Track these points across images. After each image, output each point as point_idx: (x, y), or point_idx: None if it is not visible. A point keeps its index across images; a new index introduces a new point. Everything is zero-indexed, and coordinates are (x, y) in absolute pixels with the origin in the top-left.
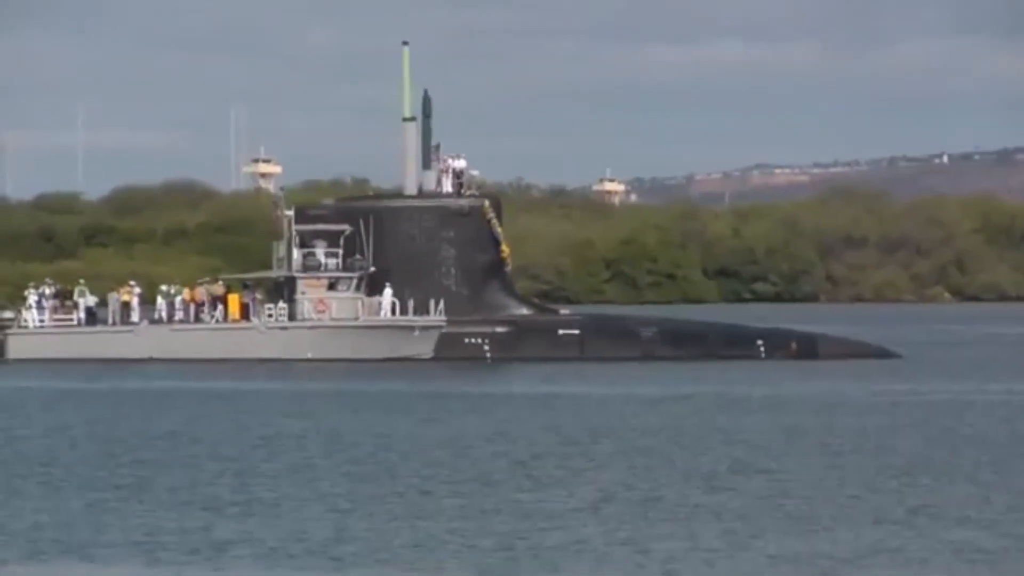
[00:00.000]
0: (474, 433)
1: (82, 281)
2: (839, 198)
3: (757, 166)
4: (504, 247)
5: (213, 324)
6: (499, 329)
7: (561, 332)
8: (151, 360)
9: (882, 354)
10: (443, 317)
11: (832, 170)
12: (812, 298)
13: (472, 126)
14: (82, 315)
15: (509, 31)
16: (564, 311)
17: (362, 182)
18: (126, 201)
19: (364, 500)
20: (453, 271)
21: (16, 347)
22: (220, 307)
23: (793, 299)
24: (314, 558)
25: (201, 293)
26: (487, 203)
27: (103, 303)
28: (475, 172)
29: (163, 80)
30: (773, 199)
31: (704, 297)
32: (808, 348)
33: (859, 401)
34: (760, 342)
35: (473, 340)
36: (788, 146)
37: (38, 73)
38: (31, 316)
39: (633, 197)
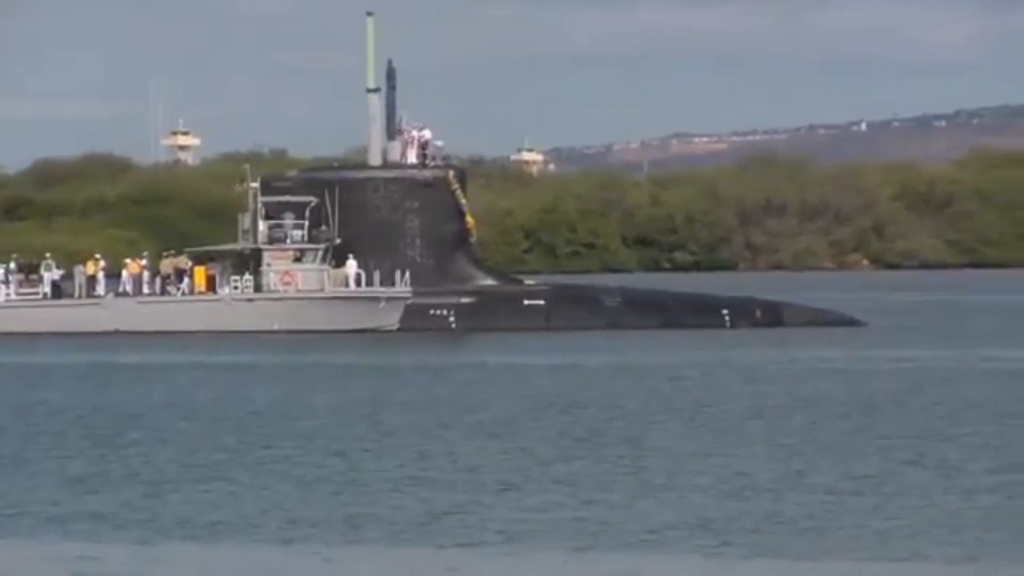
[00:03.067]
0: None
1: (48, 255)
2: (758, 166)
3: (676, 135)
4: (469, 218)
5: (179, 297)
6: (464, 300)
7: (526, 302)
8: (117, 333)
9: (848, 322)
10: (409, 288)
11: (751, 138)
12: (731, 267)
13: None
14: (47, 289)
15: None
16: (529, 281)
17: (280, 153)
18: (46, 174)
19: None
20: (418, 242)
21: None
22: (186, 280)
23: (712, 267)
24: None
25: (166, 265)
26: (452, 174)
27: (68, 276)
28: (439, 143)
29: (82, 48)
30: (692, 167)
31: (623, 266)
32: (773, 316)
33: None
34: (725, 311)
35: (438, 311)
36: (707, 114)
37: None
38: None
39: (552, 167)
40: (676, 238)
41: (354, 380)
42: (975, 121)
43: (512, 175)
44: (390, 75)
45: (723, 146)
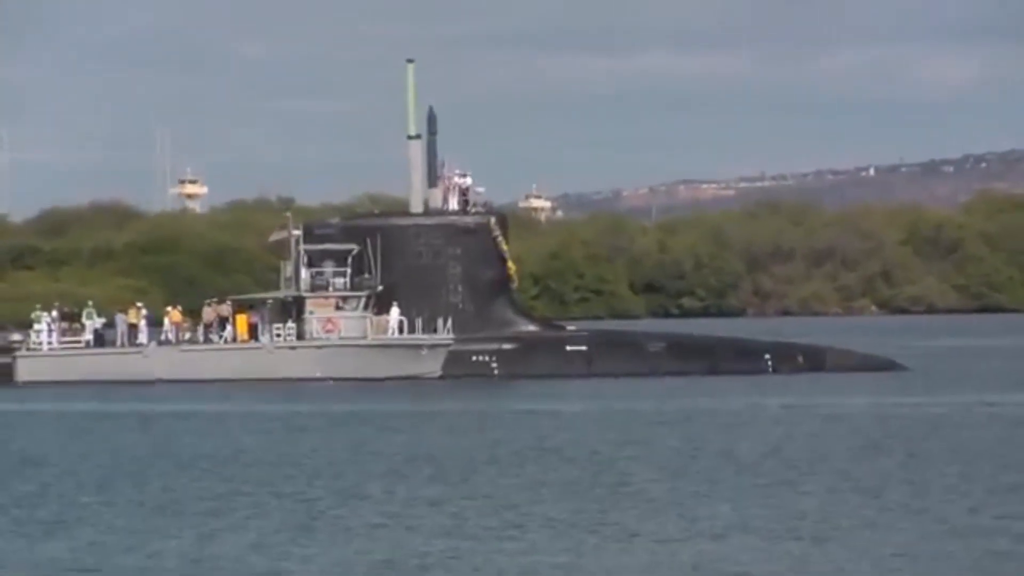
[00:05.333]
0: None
1: (90, 303)
2: (765, 211)
3: (683, 181)
4: (510, 264)
5: (221, 344)
6: (506, 346)
7: (569, 348)
8: (159, 381)
9: (890, 366)
10: (451, 335)
11: (758, 184)
12: (738, 312)
13: (399, 139)
14: (90, 337)
15: (433, 42)
16: (570, 327)
17: (288, 201)
18: (53, 223)
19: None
20: (460, 288)
21: (26, 370)
22: (228, 327)
23: (720, 313)
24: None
25: (209, 313)
26: (493, 220)
27: (110, 324)
28: (480, 189)
29: (89, 98)
30: (700, 213)
31: (631, 312)
32: (816, 361)
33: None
34: (767, 355)
35: (481, 358)
36: (714, 160)
37: None
38: (43, 339)
39: (559, 213)
40: (684, 284)
41: (350, 427)
42: (982, 165)
43: (520, 221)
44: (431, 121)
45: (730, 192)
